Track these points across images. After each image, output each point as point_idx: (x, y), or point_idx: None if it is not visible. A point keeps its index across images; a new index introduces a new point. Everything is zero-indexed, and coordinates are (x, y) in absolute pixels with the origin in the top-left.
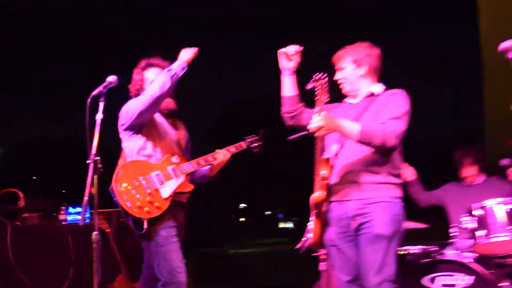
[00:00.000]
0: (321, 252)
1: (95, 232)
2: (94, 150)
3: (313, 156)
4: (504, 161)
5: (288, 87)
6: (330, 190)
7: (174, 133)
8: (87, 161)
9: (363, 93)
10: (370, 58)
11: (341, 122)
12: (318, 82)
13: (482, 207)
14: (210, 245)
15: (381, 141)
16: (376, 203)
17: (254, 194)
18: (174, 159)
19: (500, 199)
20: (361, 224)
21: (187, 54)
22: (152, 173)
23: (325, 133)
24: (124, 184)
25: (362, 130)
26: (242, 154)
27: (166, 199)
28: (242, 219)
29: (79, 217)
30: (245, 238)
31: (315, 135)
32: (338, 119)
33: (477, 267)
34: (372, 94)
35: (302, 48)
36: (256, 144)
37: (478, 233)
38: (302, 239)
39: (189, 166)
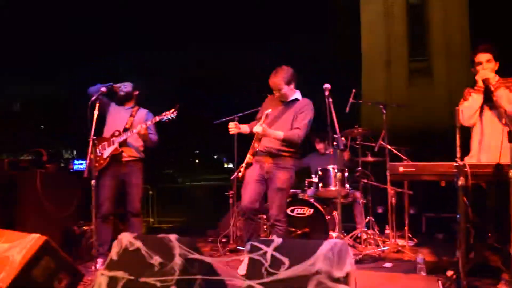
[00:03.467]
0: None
1: (93, 181)
2: (92, 132)
3: None
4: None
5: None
6: (257, 153)
7: (127, 118)
8: (89, 139)
9: (291, 98)
10: (292, 76)
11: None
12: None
13: (323, 169)
14: (172, 181)
15: (295, 141)
16: (281, 167)
17: (205, 142)
18: (116, 133)
19: (333, 166)
20: (270, 178)
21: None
22: (103, 143)
23: (262, 134)
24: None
25: (284, 137)
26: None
27: (106, 159)
28: (196, 161)
29: (82, 166)
30: (199, 174)
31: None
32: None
33: (316, 204)
34: (296, 99)
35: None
36: (168, 117)
37: (320, 184)
38: (236, 173)
39: (120, 138)
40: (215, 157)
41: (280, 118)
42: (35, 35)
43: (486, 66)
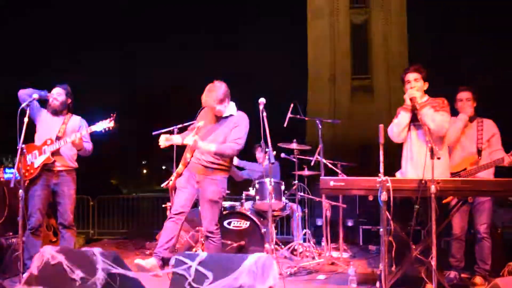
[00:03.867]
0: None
1: (21, 191)
2: (21, 140)
3: None
4: (282, 155)
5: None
6: (189, 164)
7: (59, 126)
8: (17, 147)
9: (225, 114)
10: (225, 94)
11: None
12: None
13: (259, 182)
14: (116, 191)
15: (227, 155)
16: (212, 179)
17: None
18: (48, 142)
19: (269, 179)
20: (202, 189)
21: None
22: (34, 151)
23: (193, 147)
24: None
25: (216, 150)
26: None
27: (36, 168)
28: (144, 171)
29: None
30: (146, 185)
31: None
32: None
33: (253, 216)
34: (231, 115)
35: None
36: (104, 127)
37: (257, 197)
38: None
39: (52, 147)
40: (163, 167)
41: (214, 132)
42: None
43: (413, 85)
